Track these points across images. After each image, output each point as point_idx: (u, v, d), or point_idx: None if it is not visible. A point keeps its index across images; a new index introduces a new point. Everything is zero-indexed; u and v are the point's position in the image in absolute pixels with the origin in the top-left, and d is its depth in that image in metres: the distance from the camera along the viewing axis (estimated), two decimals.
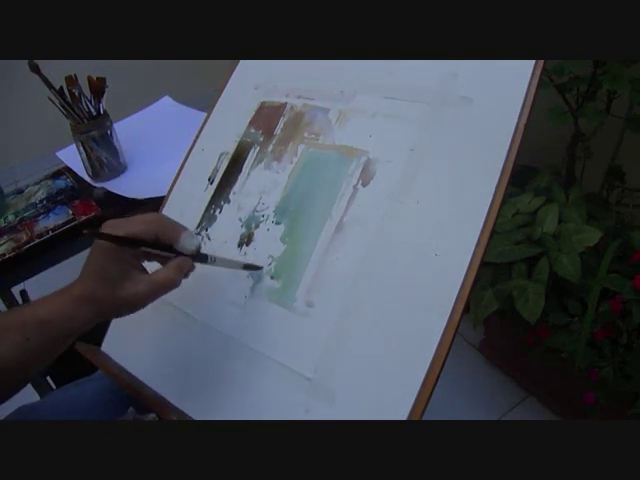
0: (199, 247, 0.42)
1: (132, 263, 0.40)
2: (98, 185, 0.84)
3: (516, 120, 0.40)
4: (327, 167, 0.47)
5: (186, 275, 0.41)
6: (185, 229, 0.41)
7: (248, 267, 0.47)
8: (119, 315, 0.41)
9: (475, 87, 0.43)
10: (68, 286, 0.39)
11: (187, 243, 0.40)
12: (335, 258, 0.43)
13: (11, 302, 0.78)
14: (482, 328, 1.17)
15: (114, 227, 0.39)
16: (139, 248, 0.39)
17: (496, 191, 0.39)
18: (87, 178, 0.86)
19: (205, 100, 0.70)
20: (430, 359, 0.36)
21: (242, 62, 0.60)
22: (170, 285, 0.40)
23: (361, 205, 0.44)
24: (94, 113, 0.82)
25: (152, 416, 0.50)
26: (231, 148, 0.55)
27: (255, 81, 0.57)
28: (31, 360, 0.39)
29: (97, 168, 0.85)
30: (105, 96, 0.83)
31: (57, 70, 0.80)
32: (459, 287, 0.37)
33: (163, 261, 0.41)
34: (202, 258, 0.43)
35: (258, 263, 0.47)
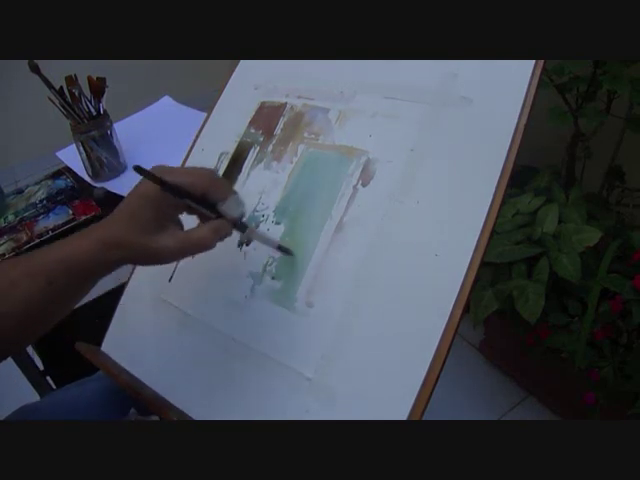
0: (243, 214, 0.41)
1: (170, 214, 0.38)
2: (98, 185, 0.84)
3: (516, 120, 0.40)
4: (327, 167, 0.47)
5: (221, 239, 0.39)
6: (235, 192, 0.40)
7: (281, 249, 0.45)
8: (145, 264, 0.39)
9: (475, 87, 0.43)
10: (95, 227, 0.38)
11: (232, 208, 0.39)
12: (335, 258, 0.43)
13: None
14: (482, 328, 1.17)
15: (164, 172, 0.37)
16: (181, 200, 0.37)
17: (496, 191, 0.39)
18: (87, 178, 0.86)
19: (205, 100, 0.70)
20: (430, 359, 0.36)
21: (242, 62, 0.60)
22: (204, 246, 0.38)
23: (361, 205, 0.44)
24: (94, 113, 0.82)
25: (154, 419, 0.50)
26: (231, 148, 0.55)
27: (255, 81, 0.57)
28: (55, 304, 0.38)
29: (97, 168, 0.85)
30: (105, 96, 0.83)
31: (57, 70, 0.80)
32: (459, 287, 0.37)
33: (202, 217, 0.40)
34: (242, 227, 0.41)
35: (258, 264, 0.47)
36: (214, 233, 0.38)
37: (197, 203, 0.38)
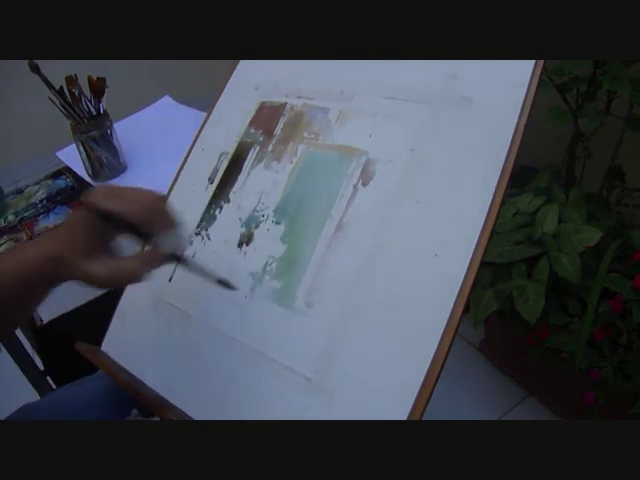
0: (176, 250, 0.40)
1: (106, 239, 0.38)
2: (98, 185, 0.84)
3: (516, 120, 0.40)
4: (327, 167, 0.47)
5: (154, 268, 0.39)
6: (172, 227, 0.39)
7: (223, 283, 0.43)
8: (79, 281, 0.39)
9: (475, 87, 0.43)
10: (44, 237, 0.39)
11: (168, 242, 0.39)
12: (335, 258, 0.43)
13: None
14: (482, 328, 1.17)
15: (106, 197, 0.37)
16: (114, 227, 0.38)
17: (496, 191, 0.39)
18: (87, 178, 0.86)
19: (205, 100, 0.70)
20: (430, 359, 0.36)
21: (242, 62, 0.60)
22: (132, 278, 0.38)
23: (361, 205, 0.44)
24: (94, 113, 0.82)
25: (155, 419, 0.50)
26: (231, 148, 0.55)
27: (255, 81, 0.57)
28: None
29: (97, 168, 0.85)
30: (105, 96, 0.83)
31: (57, 70, 0.80)
32: (459, 287, 0.37)
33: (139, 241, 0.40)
34: (178, 259, 0.41)
35: (258, 264, 0.47)
36: (144, 265, 0.38)
37: (131, 233, 0.38)
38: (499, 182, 0.39)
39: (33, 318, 0.83)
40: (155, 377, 0.50)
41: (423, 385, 0.36)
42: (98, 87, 0.82)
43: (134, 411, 0.54)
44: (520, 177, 1.10)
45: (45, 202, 0.83)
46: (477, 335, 1.18)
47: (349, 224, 0.44)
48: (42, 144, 1.58)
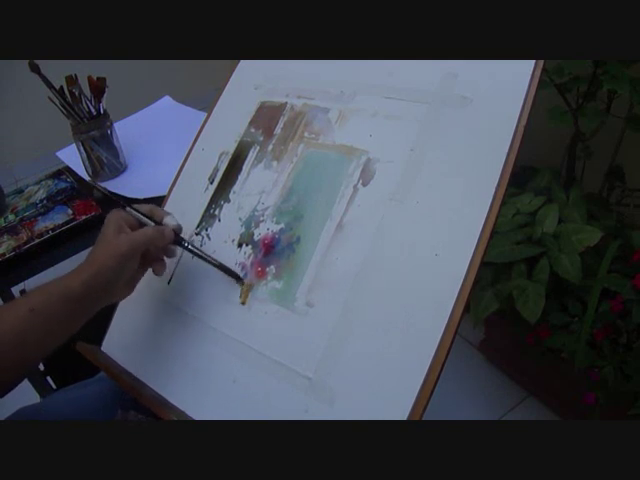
0: (177, 227, 0.48)
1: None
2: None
3: (516, 120, 0.40)
4: (327, 167, 0.47)
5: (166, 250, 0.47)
6: (168, 214, 0.49)
7: (224, 269, 0.48)
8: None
9: (475, 87, 0.43)
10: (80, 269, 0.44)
11: (167, 222, 0.48)
12: (335, 258, 0.43)
13: None
14: (482, 328, 1.17)
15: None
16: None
17: (496, 191, 0.39)
18: (87, 178, 0.86)
19: (205, 100, 0.70)
20: (430, 359, 0.36)
21: (242, 62, 0.60)
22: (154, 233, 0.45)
23: (361, 205, 0.44)
24: (94, 113, 0.82)
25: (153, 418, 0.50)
26: (231, 148, 0.55)
27: (255, 81, 0.57)
28: (40, 332, 0.41)
29: (97, 168, 0.85)
30: (105, 96, 0.83)
31: (57, 70, 0.80)
32: (459, 287, 0.37)
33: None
34: (178, 240, 0.48)
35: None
36: (157, 229, 0.46)
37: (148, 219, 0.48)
38: (499, 182, 0.39)
39: None
40: (155, 377, 0.50)
41: (423, 385, 0.36)
42: (98, 87, 0.82)
43: (132, 412, 0.53)
44: (520, 177, 1.09)
45: (45, 202, 0.83)
46: (477, 335, 1.18)
47: (349, 224, 0.44)
48: (42, 144, 1.58)
